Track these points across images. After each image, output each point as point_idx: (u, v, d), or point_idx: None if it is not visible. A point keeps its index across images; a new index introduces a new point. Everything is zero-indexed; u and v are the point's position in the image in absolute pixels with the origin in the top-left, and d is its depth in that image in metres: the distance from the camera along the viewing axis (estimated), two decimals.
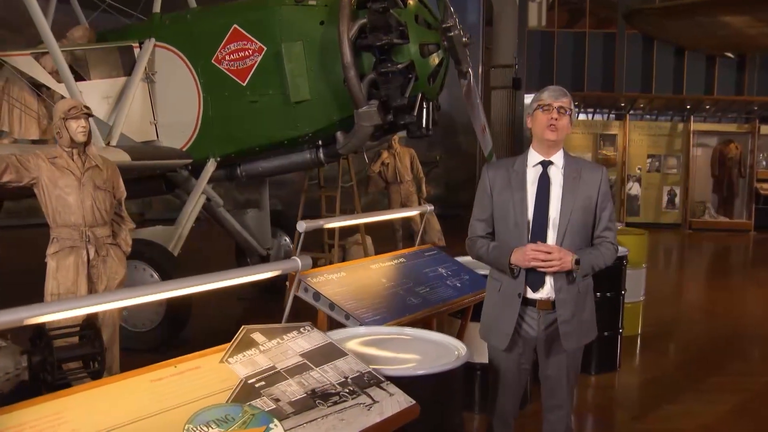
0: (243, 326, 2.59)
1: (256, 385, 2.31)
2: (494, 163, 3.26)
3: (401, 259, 4.36)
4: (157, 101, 6.52)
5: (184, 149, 6.52)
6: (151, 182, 6.88)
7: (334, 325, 3.60)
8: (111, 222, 4.53)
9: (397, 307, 3.73)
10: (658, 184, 14.59)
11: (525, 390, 4.46)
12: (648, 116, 14.84)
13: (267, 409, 2.21)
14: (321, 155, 6.55)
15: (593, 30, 15.66)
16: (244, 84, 6.22)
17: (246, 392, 2.26)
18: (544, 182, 3.08)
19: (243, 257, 8.23)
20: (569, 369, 3.17)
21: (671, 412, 4.88)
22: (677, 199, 14.53)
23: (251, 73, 6.19)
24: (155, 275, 5.82)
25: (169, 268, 5.81)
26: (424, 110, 6.15)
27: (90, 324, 3.35)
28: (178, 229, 6.28)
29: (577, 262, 2.97)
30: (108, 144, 5.91)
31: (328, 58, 5.95)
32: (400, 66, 5.75)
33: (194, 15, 6.63)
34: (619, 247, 5.79)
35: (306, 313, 3.76)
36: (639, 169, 14.61)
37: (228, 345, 2.47)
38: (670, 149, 14.56)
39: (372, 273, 4.05)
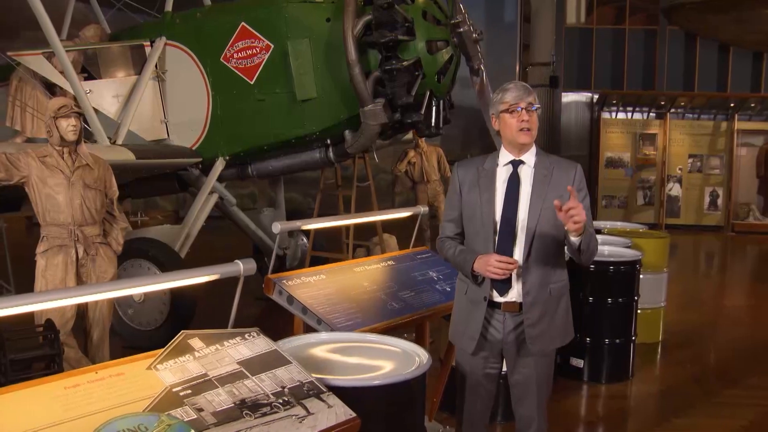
0: (182, 331, 2.51)
1: (181, 394, 2.22)
2: (465, 161, 3.11)
3: (389, 262, 4.23)
4: (167, 100, 6.53)
5: (194, 148, 6.52)
6: (162, 181, 6.89)
7: (310, 330, 3.51)
8: (102, 221, 4.51)
9: (375, 312, 3.61)
10: (700, 185, 14.06)
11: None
12: (689, 115, 14.30)
13: (186, 419, 2.11)
14: (331, 154, 6.46)
15: (634, 27, 15.19)
16: (252, 82, 6.18)
17: (168, 401, 2.18)
18: (513, 182, 2.93)
19: (261, 256, 8.20)
20: (539, 376, 3.01)
21: (679, 426, 4.66)
22: (720, 201, 13.99)
23: (259, 71, 6.14)
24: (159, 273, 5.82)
25: (173, 267, 5.78)
26: (433, 108, 6.00)
27: (50, 325, 3.32)
28: (185, 229, 6.27)
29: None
30: (114, 142, 5.93)
31: (335, 56, 5.85)
32: (405, 63, 5.62)
33: (204, 13, 6.61)
34: (631, 251, 5.68)
35: None
36: (680, 169, 14.11)
37: (160, 351, 2.38)
38: (713, 149, 14.02)
39: (354, 276, 3.93)
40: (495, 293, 2.92)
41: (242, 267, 2.65)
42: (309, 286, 3.64)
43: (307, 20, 5.96)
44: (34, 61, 6.13)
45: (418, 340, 4.22)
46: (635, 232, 6.84)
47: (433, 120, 6.02)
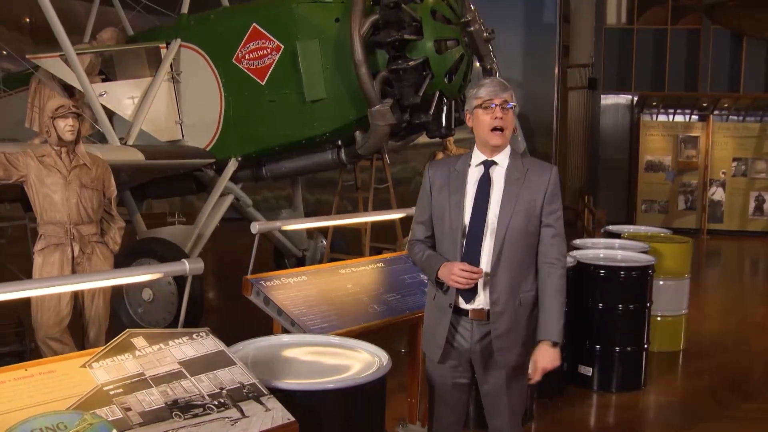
0: (127, 329, 2.48)
1: (111, 393, 2.19)
2: (437, 161, 3.02)
3: (379, 264, 4.15)
4: (182, 101, 6.58)
5: (208, 149, 6.55)
6: (179, 182, 6.95)
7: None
8: (99, 220, 4.55)
9: (353, 315, 3.54)
10: (745, 189, 13.56)
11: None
12: (734, 117, 13.81)
13: (111, 419, 2.08)
14: (342, 155, 6.41)
15: (676, 27, 14.74)
16: (263, 83, 6.18)
17: (96, 400, 2.15)
18: (484, 184, 2.81)
19: (281, 258, 8.22)
20: (510, 386, 2.87)
21: None
22: (766, 206, 13.47)
23: (269, 72, 6.13)
24: None
25: None
26: (444, 108, 5.90)
27: (19, 322, 3.36)
28: (196, 229, 6.31)
29: (555, 344, 2.76)
30: (125, 143, 6.00)
31: (344, 56, 5.80)
32: (411, 63, 5.54)
33: (217, 15, 6.66)
34: (645, 256, 5.48)
35: None
36: (723, 173, 13.64)
37: (99, 349, 2.36)
38: (759, 152, 13.49)
39: (338, 278, 3.86)
40: (461, 300, 2.81)
41: (188, 266, 2.61)
42: (288, 287, 3.60)
43: (317, 20, 5.93)
44: (51, 63, 6.25)
45: (413, 344, 4.16)
46: (656, 237, 6.60)
47: (444, 120, 5.91)
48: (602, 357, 5.26)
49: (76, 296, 4.45)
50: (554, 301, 2.78)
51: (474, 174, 2.84)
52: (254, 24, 6.14)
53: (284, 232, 7.78)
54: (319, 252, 8.17)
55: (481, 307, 2.78)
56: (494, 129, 2.76)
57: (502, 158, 2.83)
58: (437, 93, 5.78)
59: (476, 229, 2.77)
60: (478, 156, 2.86)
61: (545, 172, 2.82)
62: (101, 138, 6.33)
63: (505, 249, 2.74)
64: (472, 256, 2.75)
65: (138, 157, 5.74)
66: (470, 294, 2.77)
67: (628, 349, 5.27)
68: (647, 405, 5.12)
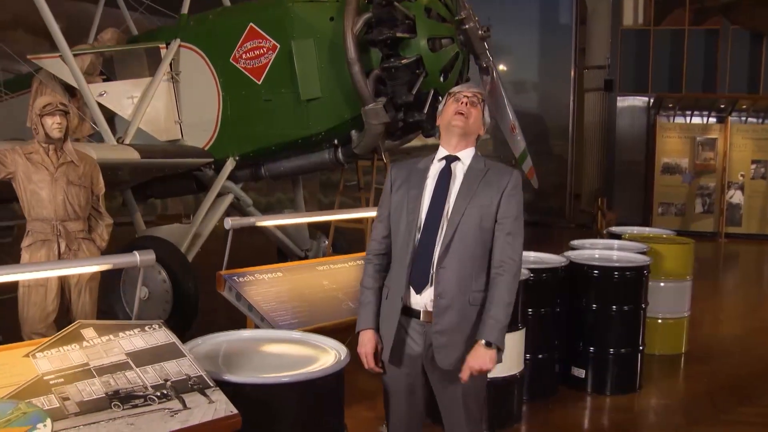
0: (78, 320, 2.48)
1: (51, 382, 2.19)
2: (401, 162, 2.98)
3: (358, 262, 4.13)
4: (181, 101, 6.61)
5: (206, 148, 6.57)
6: (179, 181, 6.98)
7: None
8: (87, 217, 4.58)
9: (325, 312, 3.54)
10: (764, 192, 13.28)
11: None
12: (753, 119, 13.55)
13: (47, 408, 2.08)
14: (339, 155, 6.39)
15: (694, 27, 14.47)
16: (260, 82, 6.19)
17: (34, 389, 2.15)
18: (444, 177, 2.78)
19: (284, 258, 8.22)
20: (465, 396, 2.77)
21: None
22: None
23: (266, 71, 6.14)
24: (163, 272, 5.88)
25: (175, 266, 5.86)
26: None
27: None
28: (193, 228, 6.33)
29: (489, 345, 2.66)
30: (121, 141, 6.04)
31: (339, 55, 5.78)
32: (404, 61, 5.51)
33: (215, 15, 6.69)
34: (641, 256, 5.38)
35: None
36: (742, 175, 13.39)
37: (46, 339, 2.37)
38: None
39: (315, 275, 3.87)
40: (413, 298, 2.73)
41: (139, 258, 2.61)
42: (261, 283, 3.60)
43: (312, 20, 5.92)
44: (52, 63, 6.32)
45: None
46: (657, 238, 6.49)
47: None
48: (596, 359, 5.16)
49: (63, 292, 4.48)
50: (499, 303, 2.68)
51: (435, 168, 2.82)
52: (251, 24, 6.16)
53: (286, 232, 7.79)
54: (322, 252, 8.16)
55: (431, 308, 2.71)
56: (458, 113, 2.75)
57: (466, 156, 2.82)
58: (432, 91, 5.74)
59: (433, 221, 2.73)
60: (441, 152, 2.85)
61: (506, 174, 2.79)
62: (101, 139, 6.38)
63: (455, 241, 2.68)
64: (426, 248, 2.70)
65: (134, 156, 5.77)
66: (423, 279, 2.70)
67: (623, 350, 5.17)
68: (642, 408, 5.01)
